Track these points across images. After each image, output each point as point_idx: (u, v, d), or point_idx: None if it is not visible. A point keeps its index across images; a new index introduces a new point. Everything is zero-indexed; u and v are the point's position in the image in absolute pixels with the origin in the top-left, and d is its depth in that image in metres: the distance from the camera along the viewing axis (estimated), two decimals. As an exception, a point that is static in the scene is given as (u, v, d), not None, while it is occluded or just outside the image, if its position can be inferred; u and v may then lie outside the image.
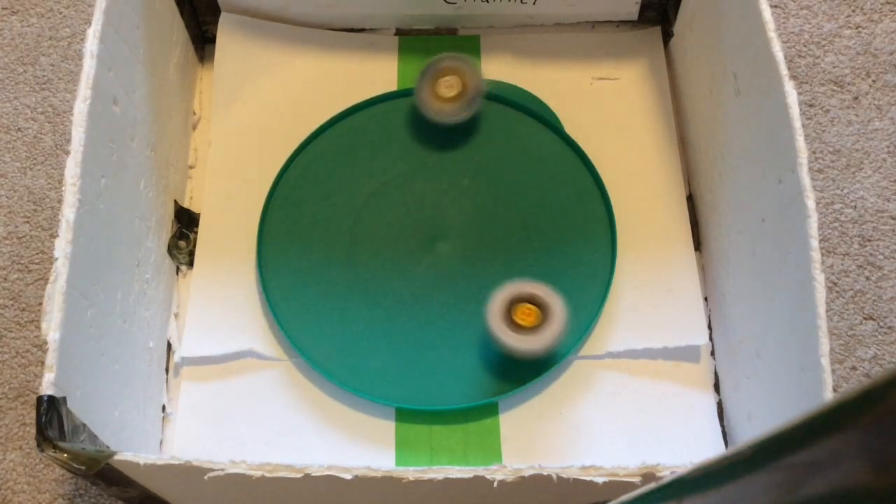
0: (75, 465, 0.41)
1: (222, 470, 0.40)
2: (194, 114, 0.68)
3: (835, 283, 0.63)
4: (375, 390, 0.57)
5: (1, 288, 0.63)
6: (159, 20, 0.61)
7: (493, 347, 0.56)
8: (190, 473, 0.41)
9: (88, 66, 0.49)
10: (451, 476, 0.40)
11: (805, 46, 0.71)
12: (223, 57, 0.68)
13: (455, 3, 0.68)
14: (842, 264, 0.63)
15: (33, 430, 0.52)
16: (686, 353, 0.59)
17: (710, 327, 0.60)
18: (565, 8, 0.69)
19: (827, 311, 0.44)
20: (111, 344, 0.50)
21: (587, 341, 0.59)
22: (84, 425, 0.44)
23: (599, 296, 0.60)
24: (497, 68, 0.69)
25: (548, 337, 0.54)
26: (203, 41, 0.71)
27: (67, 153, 0.47)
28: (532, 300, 0.55)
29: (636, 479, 0.40)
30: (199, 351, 0.59)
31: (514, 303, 0.55)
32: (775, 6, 0.73)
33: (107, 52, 0.51)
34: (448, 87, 0.62)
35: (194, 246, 0.63)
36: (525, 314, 0.55)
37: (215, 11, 0.69)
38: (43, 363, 0.42)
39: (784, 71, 0.49)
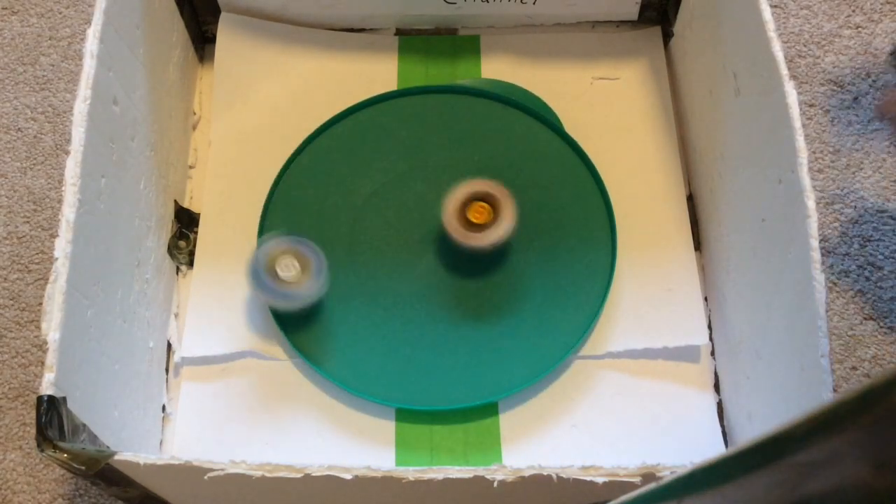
0: (75, 465, 0.41)
1: (222, 470, 0.40)
2: (194, 114, 0.68)
3: (835, 283, 0.63)
4: (375, 390, 0.57)
5: (1, 288, 0.63)
6: (159, 20, 0.61)
7: (451, 246, 0.58)
8: (190, 473, 0.41)
9: (88, 66, 0.49)
10: (451, 476, 0.40)
11: (805, 46, 0.71)
12: (223, 57, 0.68)
13: (455, 3, 0.68)
14: (842, 264, 0.63)
15: (33, 430, 0.52)
16: (686, 353, 0.59)
17: (710, 327, 0.60)
18: (565, 8, 0.69)
19: (827, 311, 0.44)
20: (111, 344, 0.50)
21: (587, 341, 0.59)
22: (84, 425, 0.44)
23: (599, 296, 0.60)
24: (497, 68, 0.69)
25: (498, 233, 0.57)
26: (203, 41, 0.71)
27: (67, 153, 0.47)
28: (485, 198, 0.58)
29: (636, 479, 0.40)
30: (199, 351, 0.59)
31: (467, 201, 0.58)
32: (775, 6, 0.73)
33: (107, 52, 0.51)
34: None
35: (194, 246, 0.63)
36: (478, 212, 0.58)
37: (215, 11, 0.69)
38: (43, 363, 0.42)
39: (784, 71, 0.49)
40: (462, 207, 0.58)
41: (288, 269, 0.55)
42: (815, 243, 0.45)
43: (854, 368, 0.60)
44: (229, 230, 0.63)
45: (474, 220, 0.57)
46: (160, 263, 0.59)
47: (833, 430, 0.20)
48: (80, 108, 0.48)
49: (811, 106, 0.69)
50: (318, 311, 0.60)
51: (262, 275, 0.55)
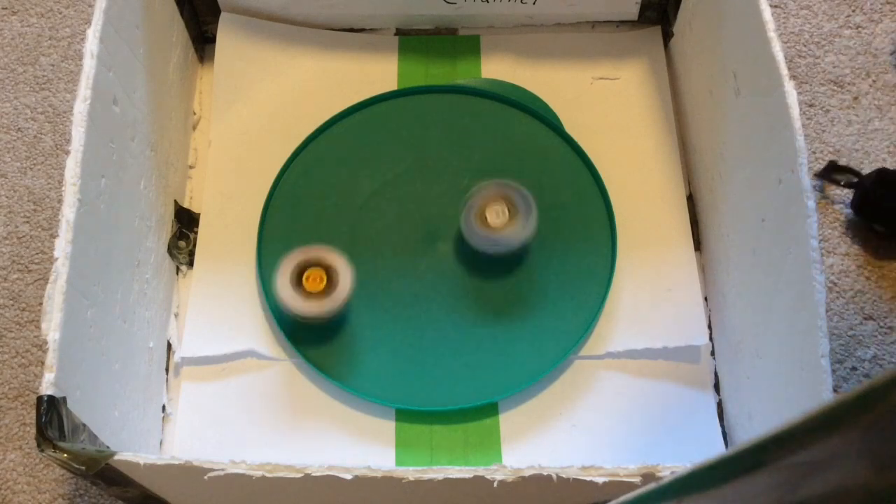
0: (75, 465, 0.41)
1: (222, 470, 0.40)
2: (194, 114, 0.68)
3: (835, 283, 0.63)
4: (375, 390, 0.57)
5: (1, 288, 0.63)
6: (159, 20, 0.61)
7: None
8: (190, 473, 0.41)
9: (88, 66, 0.49)
10: (451, 476, 0.40)
11: (805, 46, 0.71)
12: (223, 57, 0.68)
13: (455, 3, 0.68)
14: (842, 264, 0.63)
15: (33, 430, 0.52)
16: (686, 353, 0.59)
17: (710, 327, 0.60)
18: (565, 8, 0.69)
19: (827, 311, 0.44)
20: (111, 344, 0.50)
21: (587, 341, 0.59)
22: (84, 425, 0.44)
23: (599, 296, 0.60)
24: (497, 68, 0.69)
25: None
26: (203, 41, 0.71)
27: (67, 153, 0.47)
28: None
29: (636, 479, 0.40)
30: (199, 351, 0.59)
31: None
32: (775, 6, 0.73)
33: (107, 52, 0.51)
34: (496, 214, 0.58)
35: (194, 246, 0.63)
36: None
37: (215, 11, 0.69)
38: (43, 363, 0.42)
39: (784, 71, 0.49)
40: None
41: (498, 215, 0.58)
42: (815, 243, 0.45)
43: (854, 368, 0.60)
44: (229, 230, 0.63)
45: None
46: (160, 263, 0.59)
47: (833, 430, 0.20)
48: (80, 108, 0.48)
49: (811, 106, 0.69)
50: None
51: (473, 223, 0.58)
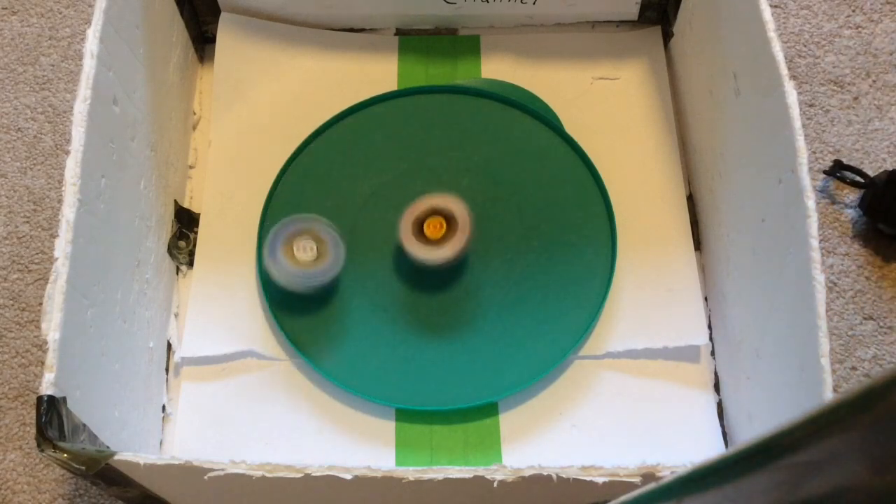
0: (75, 465, 0.41)
1: (222, 470, 0.40)
2: (194, 114, 0.68)
3: (835, 283, 0.63)
4: (375, 390, 0.57)
5: (1, 288, 0.63)
6: (159, 20, 0.61)
7: (408, 262, 0.58)
8: (190, 473, 0.41)
9: (88, 66, 0.49)
10: (451, 476, 0.40)
11: (805, 46, 0.71)
12: (223, 57, 0.68)
13: (455, 3, 0.68)
14: (842, 264, 0.63)
15: (33, 430, 0.52)
16: (686, 353, 0.59)
17: (710, 327, 0.60)
18: (565, 8, 0.69)
19: (827, 311, 0.44)
20: (111, 344, 0.50)
21: (587, 341, 0.59)
22: (84, 425, 0.44)
23: (599, 296, 0.60)
24: (497, 68, 0.69)
25: (454, 247, 0.57)
26: (203, 41, 0.71)
27: (67, 153, 0.47)
28: (439, 212, 0.58)
29: (636, 479, 0.40)
30: (199, 351, 0.59)
31: (423, 216, 0.58)
32: (775, 6, 0.73)
33: (107, 52, 0.51)
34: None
35: (194, 246, 0.63)
36: (434, 227, 0.58)
37: (215, 11, 0.69)
38: (43, 363, 0.42)
39: (784, 71, 0.49)
40: (419, 222, 0.58)
41: (305, 250, 0.56)
42: (815, 243, 0.45)
43: (854, 368, 0.60)
44: (229, 230, 0.63)
45: (430, 236, 0.58)
46: (160, 263, 0.59)
47: (833, 430, 0.20)
48: (80, 108, 0.48)
49: (811, 106, 0.69)
50: (318, 312, 0.60)
51: (279, 257, 0.56)
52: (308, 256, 0.57)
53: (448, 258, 0.57)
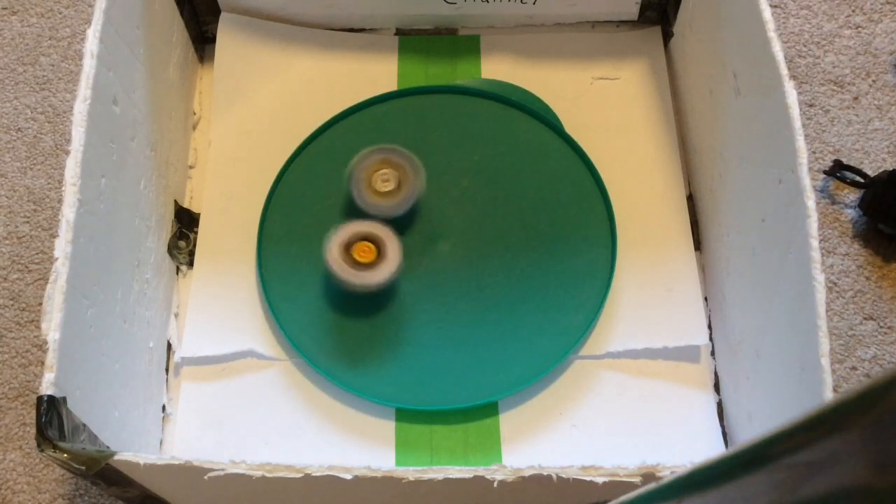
0: (75, 465, 0.41)
1: (222, 470, 0.40)
2: (194, 114, 0.68)
3: (835, 283, 0.63)
4: (375, 390, 0.57)
5: (1, 288, 0.63)
6: (159, 20, 0.61)
7: (336, 286, 0.58)
8: (190, 473, 0.41)
9: (88, 66, 0.49)
10: (451, 476, 0.40)
11: (805, 46, 0.71)
12: (223, 57, 0.68)
13: (455, 3, 0.68)
14: (842, 264, 0.63)
15: (33, 430, 0.52)
16: (686, 353, 0.59)
17: (710, 327, 0.60)
18: (565, 8, 0.69)
19: (827, 311, 0.44)
20: (111, 344, 0.50)
21: (587, 341, 0.59)
22: (84, 425, 0.44)
23: (599, 296, 0.60)
24: (497, 68, 0.69)
25: (385, 271, 0.57)
26: (203, 41, 0.71)
27: (67, 153, 0.47)
28: (368, 238, 0.58)
29: (636, 479, 0.40)
30: (199, 351, 0.59)
31: (351, 241, 0.58)
32: (775, 6, 0.73)
33: (107, 52, 0.51)
34: (385, 181, 0.60)
35: (194, 246, 0.63)
36: (363, 251, 0.58)
37: (215, 11, 0.69)
38: (43, 363, 0.42)
39: (784, 71, 0.49)
40: (347, 247, 0.58)
41: (387, 179, 0.59)
42: (815, 243, 0.45)
43: (854, 368, 0.60)
44: (229, 230, 0.63)
45: (360, 260, 0.58)
46: (160, 263, 0.59)
47: (833, 430, 0.20)
48: (80, 108, 0.48)
49: (811, 106, 0.69)
50: (319, 312, 0.60)
51: (362, 190, 0.59)
52: (388, 187, 0.60)
53: (380, 282, 0.57)
